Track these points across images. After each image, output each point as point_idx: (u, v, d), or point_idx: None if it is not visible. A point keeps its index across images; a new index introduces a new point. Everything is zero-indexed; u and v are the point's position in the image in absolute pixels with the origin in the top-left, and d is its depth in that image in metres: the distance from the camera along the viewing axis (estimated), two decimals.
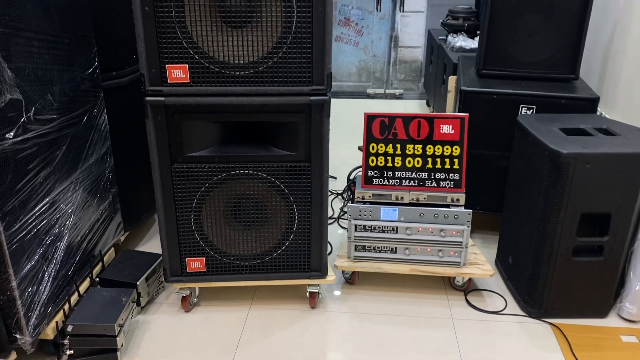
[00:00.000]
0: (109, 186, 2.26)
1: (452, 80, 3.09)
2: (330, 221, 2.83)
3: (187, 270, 2.08)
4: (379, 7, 5.04)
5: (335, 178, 3.30)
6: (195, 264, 2.08)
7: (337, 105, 4.69)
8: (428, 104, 4.76)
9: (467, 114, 2.15)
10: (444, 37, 3.90)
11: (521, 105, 2.38)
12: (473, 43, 3.52)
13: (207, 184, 1.97)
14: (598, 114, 2.38)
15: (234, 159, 1.96)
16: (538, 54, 2.47)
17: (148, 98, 1.82)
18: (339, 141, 3.64)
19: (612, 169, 1.91)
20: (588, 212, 1.97)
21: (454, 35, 3.71)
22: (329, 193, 2.88)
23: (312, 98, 1.87)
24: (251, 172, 1.97)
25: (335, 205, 3.04)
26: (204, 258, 2.08)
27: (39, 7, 1.77)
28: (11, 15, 1.63)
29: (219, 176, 1.97)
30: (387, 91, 5.31)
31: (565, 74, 2.49)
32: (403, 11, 5.03)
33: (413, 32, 5.15)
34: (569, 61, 2.47)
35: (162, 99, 1.83)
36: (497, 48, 2.50)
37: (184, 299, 2.16)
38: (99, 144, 2.17)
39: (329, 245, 2.50)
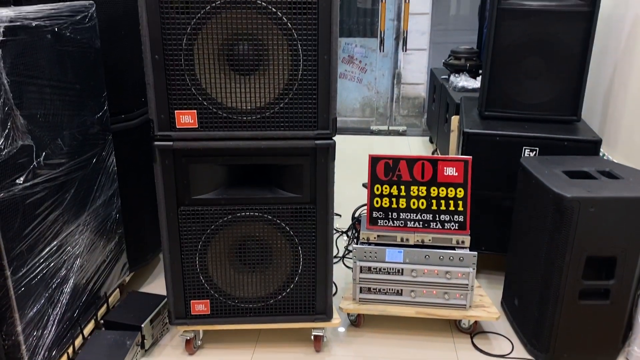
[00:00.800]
0: (115, 227, 2.28)
1: (454, 120, 3.14)
2: (335, 260, 2.83)
3: (192, 313, 2.08)
4: (382, 47, 5.14)
5: (340, 215, 3.31)
6: (200, 306, 2.07)
7: (342, 142, 4.71)
8: (431, 141, 4.80)
9: (471, 157, 2.17)
10: (447, 77, 3.96)
11: (524, 147, 2.40)
12: (475, 83, 3.57)
13: (213, 226, 1.98)
14: (601, 155, 2.40)
15: (240, 201, 1.97)
16: (540, 96, 2.51)
17: (157, 143, 1.85)
18: (343, 178, 3.65)
19: (616, 213, 1.92)
20: (593, 255, 1.97)
21: (456, 75, 3.77)
22: (334, 231, 2.88)
23: (317, 142, 1.90)
24: (257, 214, 1.98)
25: (339, 244, 3.04)
26: (208, 300, 2.07)
27: (52, 56, 1.82)
28: (25, 64, 1.67)
29: (225, 218, 1.98)
30: (391, 128, 5.36)
31: (567, 116, 2.52)
32: (405, 51, 5.13)
33: (415, 69, 5.24)
34: (570, 103, 2.50)
35: (171, 143, 1.86)
36: (499, 90, 2.53)
37: (188, 341, 2.15)
38: (106, 186, 2.19)
39: (334, 286, 2.49)
